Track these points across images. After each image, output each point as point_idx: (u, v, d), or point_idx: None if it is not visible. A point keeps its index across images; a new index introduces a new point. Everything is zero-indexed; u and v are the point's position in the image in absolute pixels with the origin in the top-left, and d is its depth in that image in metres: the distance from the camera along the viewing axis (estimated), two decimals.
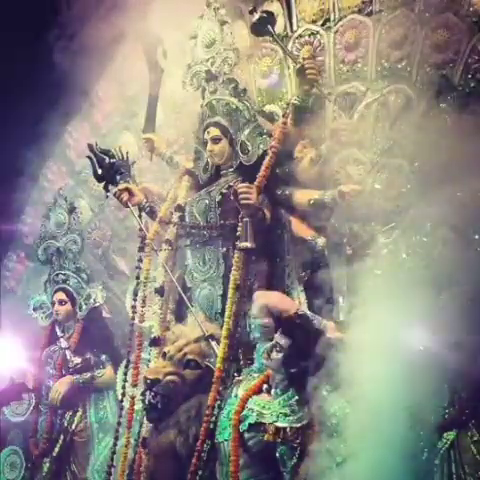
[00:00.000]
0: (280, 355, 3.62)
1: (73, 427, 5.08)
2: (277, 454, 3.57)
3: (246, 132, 4.30)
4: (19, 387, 5.09)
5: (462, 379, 3.36)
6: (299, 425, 3.56)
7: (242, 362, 4.04)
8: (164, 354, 4.08)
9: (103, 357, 5.17)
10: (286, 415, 3.59)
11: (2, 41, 5.38)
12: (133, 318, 4.40)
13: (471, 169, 3.44)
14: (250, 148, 4.29)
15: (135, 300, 4.39)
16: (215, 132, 4.34)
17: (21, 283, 5.93)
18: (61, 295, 5.29)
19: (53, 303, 5.32)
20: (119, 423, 4.36)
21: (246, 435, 3.66)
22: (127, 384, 4.33)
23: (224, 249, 4.24)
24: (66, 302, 5.29)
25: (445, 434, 3.41)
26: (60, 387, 5.09)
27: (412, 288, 3.37)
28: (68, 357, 5.16)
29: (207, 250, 4.30)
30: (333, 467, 3.37)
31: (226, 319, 4.01)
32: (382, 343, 3.30)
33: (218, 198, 4.30)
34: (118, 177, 4.54)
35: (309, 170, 4.21)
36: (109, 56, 5.20)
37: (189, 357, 4.01)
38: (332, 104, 4.33)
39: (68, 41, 5.15)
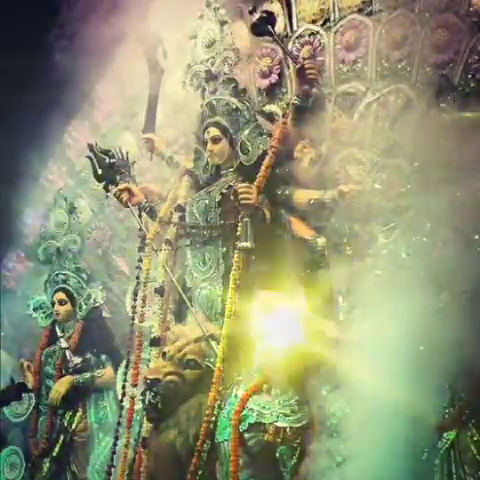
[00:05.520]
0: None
1: (73, 427, 5.08)
2: (277, 454, 3.57)
3: (246, 132, 4.30)
4: (19, 387, 5.09)
5: (462, 379, 3.36)
6: (299, 425, 3.56)
7: (242, 362, 4.04)
8: (164, 354, 4.08)
9: (103, 357, 5.16)
10: (286, 415, 3.59)
11: (2, 41, 5.38)
12: (133, 318, 4.40)
13: (471, 169, 3.44)
14: (250, 148, 4.28)
15: (135, 300, 4.39)
16: (215, 132, 4.34)
17: (21, 283, 5.92)
18: (61, 295, 5.29)
19: (53, 303, 5.32)
20: (119, 423, 4.36)
21: (246, 435, 3.66)
22: (127, 384, 4.33)
23: (224, 249, 4.24)
24: (66, 302, 5.29)
25: (445, 434, 3.41)
26: (60, 387, 5.09)
27: (412, 288, 3.37)
28: (68, 357, 5.15)
29: (207, 250, 4.29)
30: (333, 467, 3.37)
31: (226, 319, 4.01)
32: (382, 343, 3.30)
33: (218, 198, 4.30)
34: (118, 177, 4.54)
35: (309, 170, 4.20)
36: (109, 56, 5.20)
37: (189, 357, 4.01)
38: (332, 104, 4.33)
39: (68, 41, 5.15)
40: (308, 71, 4.17)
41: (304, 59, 4.32)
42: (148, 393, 3.97)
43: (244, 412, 3.68)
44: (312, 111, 4.24)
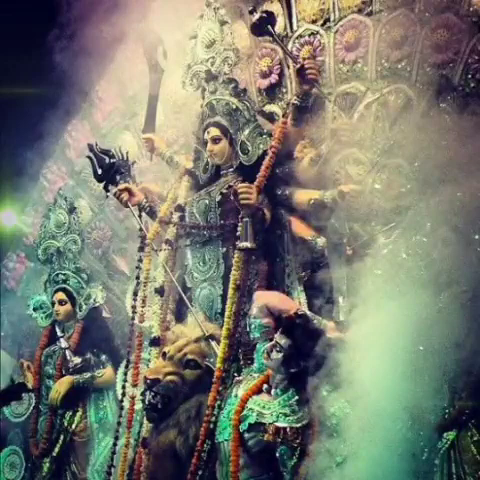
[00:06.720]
0: (280, 355, 3.61)
1: (73, 427, 5.08)
2: (277, 454, 3.57)
3: (246, 132, 4.30)
4: (19, 387, 5.09)
5: (462, 379, 3.36)
6: (299, 425, 3.56)
7: (242, 362, 4.04)
8: (164, 354, 4.08)
9: (103, 357, 5.17)
10: (286, 415, 3.58)
11: (2, 41, 5.39)
12: (133, 318, 4.41)
13: (471, 169, 3.44)
14: (250, 148, 4.28)
15: (135, 300, 4.40)
16: (215, 132, 4.34)
17: (21, 283, 5.93)
18: (61, 295, 5.29)
19: (53, 303, 5.32)
20: (119, 423, 4.37)
21: (246, 435, 3.65)
22: (127, 384, 4.34)
23: (224, 249, 4.24)
24: (66, 302, 5.29)
25: (445, 434, 3.41)
26: (60, 387, 5.09)
27: (412, 288, 3.37)
28: (68, 357, 5.15)
29: (207, 250, 4.30)
30: (333, 467, 3.37)
31: (226, 319, 4.01)
32: (382, 343, 3.30)
33: (218, 198, 4.30)
34: (118, 177, 4.55)
35: (309, 170, 4.21)
36: (109, 56, 5.21)
37: (189, 357, 4.01)
38: (332, 104, 4.33)
39: (68, 41, 5.15)
40: (308, 71, 4.17)
41: (304, 59, 4.32)
42: (148, 393, 3.97)
43: (244, 412, 3.68)
44: (312, 111, 4.25)
